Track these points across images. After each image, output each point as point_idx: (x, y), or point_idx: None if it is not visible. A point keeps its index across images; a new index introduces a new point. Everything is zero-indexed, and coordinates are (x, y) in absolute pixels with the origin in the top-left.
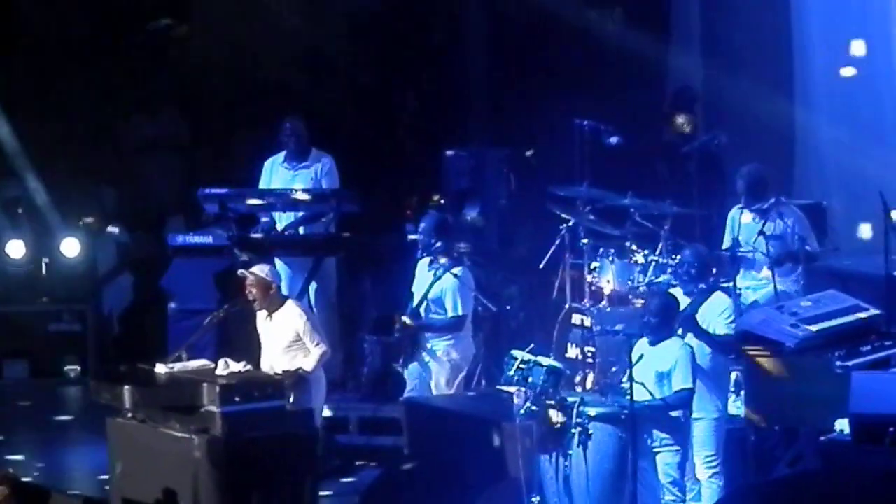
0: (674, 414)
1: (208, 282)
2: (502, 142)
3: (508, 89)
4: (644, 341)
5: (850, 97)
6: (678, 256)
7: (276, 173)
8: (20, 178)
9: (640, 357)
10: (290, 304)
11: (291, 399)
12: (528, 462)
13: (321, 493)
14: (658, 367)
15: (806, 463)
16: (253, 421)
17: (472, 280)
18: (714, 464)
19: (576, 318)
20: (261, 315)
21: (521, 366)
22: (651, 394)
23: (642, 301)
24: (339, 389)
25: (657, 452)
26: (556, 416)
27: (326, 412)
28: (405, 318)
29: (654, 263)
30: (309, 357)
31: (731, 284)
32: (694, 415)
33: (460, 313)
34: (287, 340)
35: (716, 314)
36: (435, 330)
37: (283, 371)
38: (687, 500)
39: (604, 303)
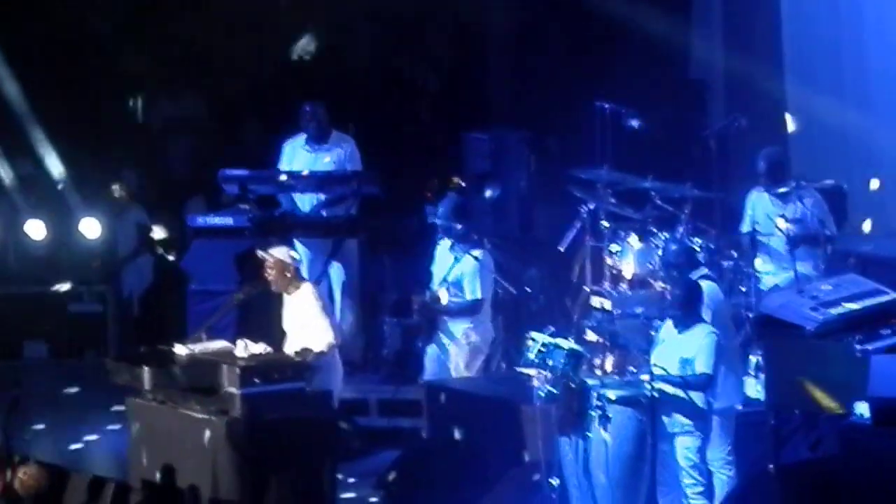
0: (694, 397)
1: (228, 263)
2: (523, 124)
3: (529, 72)
4: (670, 326)
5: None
6: (698, 239)
7: (296, 155)
8: (40, 159)
9: (662, 341)
10: (306, 287)
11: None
12: (547, 445)
13: (340, 475)
14: (683, 353)
15: (826, 447)
16: (272, 403)
17: (492, 263)
18: (727, 452)
19: (595, 301)
20: (284, 297)
21: (541, 349)
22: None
23: (662, 284)
24: (359, 371)
25: (677, 436)
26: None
27: (345, 395)
28: (435, 295)
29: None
30: (317, 342)
31: (750, 268)
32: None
33: (479, 296)
34: (301, 323)
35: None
36: (453, 313)
37: (294, 351)
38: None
39: (624, 286)
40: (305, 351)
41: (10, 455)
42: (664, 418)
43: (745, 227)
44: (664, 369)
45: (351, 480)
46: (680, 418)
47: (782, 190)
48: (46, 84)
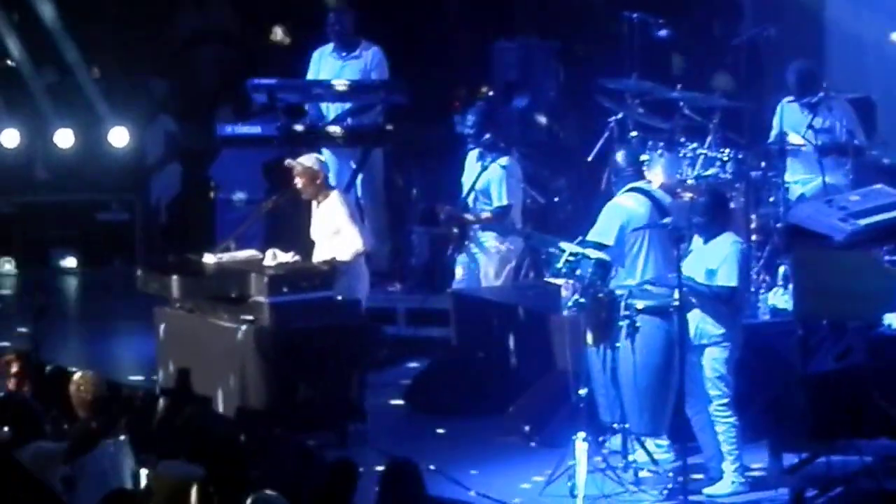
0: (721, 308)
1: (256, 172)
2: (550, 34)
3: None
4: (698, 238)
5: None
6: (727, 150)
7: (324, 64)
8: (69, 68)
9: (691, 251)
10: (334, 196)
11: None
12: (575, 354)
13: (368, 384)
14: (709, 263)
15: (854, 357)
16: (301, 311)
17: (520, 171)
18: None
19: None
20: (313, 205)
21: (570, 258)
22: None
23: (691, 194)
24: (386, 280)
25: (706, 347)
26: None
27: (373, 303)
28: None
29: (702, 156)
30: (345, 249)
31: (779, 179)
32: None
33: (505, 203)
34: (329, 231)
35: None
36: (481, 221)
37: (321, 261)
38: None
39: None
40: (333, 260)
41: (41, 362)
42: (691, 329)
43: (774, 137)
44: (692, 279)
45: (378, 388)
46: (708, 328)
47: (811, 100)
48: None
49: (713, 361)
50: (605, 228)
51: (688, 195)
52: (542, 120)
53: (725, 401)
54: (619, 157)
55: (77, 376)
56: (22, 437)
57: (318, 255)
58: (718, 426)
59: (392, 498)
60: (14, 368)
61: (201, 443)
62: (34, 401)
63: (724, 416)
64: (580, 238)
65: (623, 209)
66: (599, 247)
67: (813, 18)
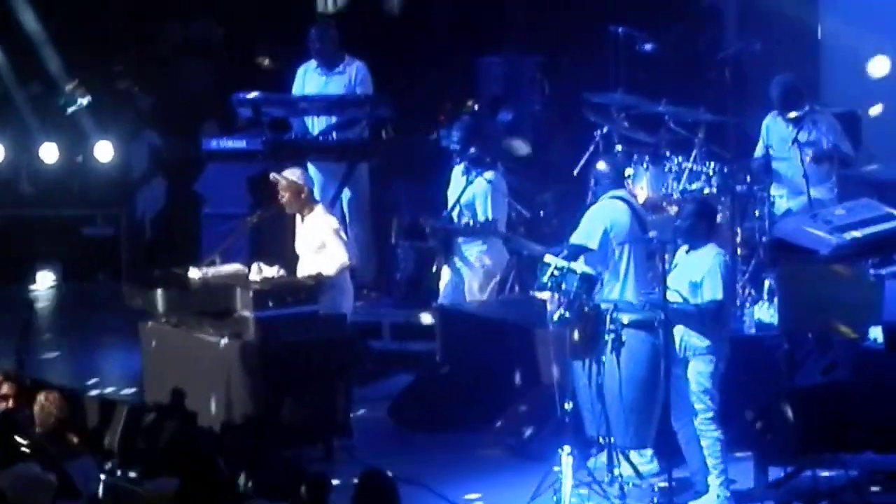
0: (707, 321)
1: (241, 186)
2: (536, 48)
3: None
4: (683, 250)
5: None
6: (713, 164)
7: (309, 79)
8: (54, 82)
9: (676, 265)
10: (319, 210)
11: None
12: (560, 368)
13: (354, 399)
14: (692, 276)
15: (839, 371)
16: (286, 326)
17: (505, 185)
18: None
19: None
20: (297, 219)
21: (555, 272)
22: (685, 301)
23: (676, 208)
24: (372, 295)
25: (690, 360)
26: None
27: (358, 318)
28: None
29: (688, 170)
30: (330, 264)
31: (764, 193)
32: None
33: (490, 217)
34: (314, 245)
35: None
36: (464, 233)
37: (306, 275)
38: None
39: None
40: (319, 274)
41: (24, 378)
42: (676, 342)
43: (759, 152)
44: (678, 292)
45: (364, 403)
46: (693, 341)
47: (796, 115)
48: (60, 6)
49: (698, 375)
50: (588, 232)
51: (673, 209)
52: (523, 151)
53: (710, 415)
54: (601, 165)
55: (41, 396)
56: (8, 458)
57: (303, 270)
58: (704, 440)
59: None
60: (4, 389)
61: (185, 457)
62: (24, 419)
63: (710, 430)
64: (565, 252)
65: (606, 213)
66: (583, 249)
67: (803, 33)
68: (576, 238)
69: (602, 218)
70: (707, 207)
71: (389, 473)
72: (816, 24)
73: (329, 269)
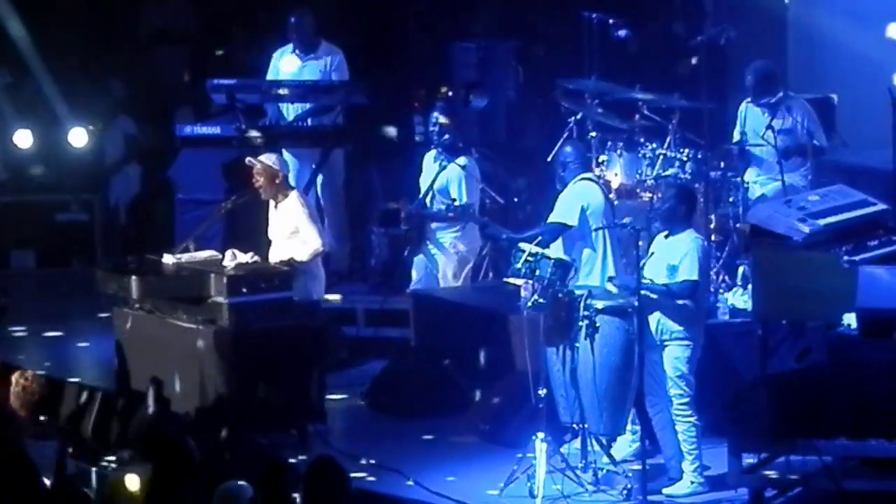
0: (681, 304)
1: (216, 172)
2: (510, 34)
3: None
4: (661, 236)
5: None
6: (686, 150)
7: (284, 65)
8: (28, 68)
9: (653, 253)
10: (294, 196)
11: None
12: (534, 355)
13: (328, 385)
14: (670, 260)
15: (813, 357)
16: (260, 312)
17: (478, 171)
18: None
19: None
20: (270, 205)
21: (529, 258)
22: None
23: (650, 194)
24: (346, 281)
25: (666, 345)
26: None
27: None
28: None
29: (662, 157)
30: (303, 249)
31: (738, 179)
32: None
33: (464, 202)
34: (287, 231)
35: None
36: (440, 219)
37: (279, 261)
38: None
39: (611, 196)
40: (292, 260)
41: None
42: (652, 327)
43: (735, 138)
44: (651, 280)
45: (338, 389)
46: (669, 325)
47: (770, 101)
48: None
49: (675, 360)
50: (566, 210)
51: (647, 196)
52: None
53: (686, 400)
54: (568, 149)
55: (17, 375)
56: None
57: (275, 255)
58: (679, 425)
59: (314, 494)
60: None
61: (157, 443)
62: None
63: (685, 415)
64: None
65: (582, 192)
66: (563, 228)
67: (776, 20)
68: (555, 217)
69: (579, 197)
70: (687, 192)
71: (363, 461)
72: (785, 11)
73: (301, 255)
